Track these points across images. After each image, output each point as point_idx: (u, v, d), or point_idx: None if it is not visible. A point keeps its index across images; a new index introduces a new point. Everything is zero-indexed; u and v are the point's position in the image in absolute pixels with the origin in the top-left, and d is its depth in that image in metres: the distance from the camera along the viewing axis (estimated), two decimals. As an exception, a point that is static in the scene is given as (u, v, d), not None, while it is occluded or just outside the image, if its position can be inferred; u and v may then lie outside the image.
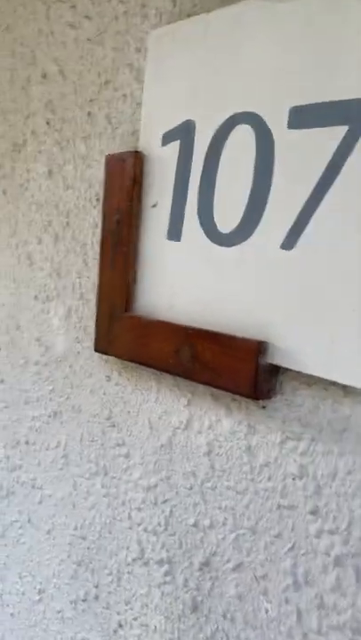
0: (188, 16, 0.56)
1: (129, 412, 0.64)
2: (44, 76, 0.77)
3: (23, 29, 0.82)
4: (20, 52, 0.82)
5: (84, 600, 0.72)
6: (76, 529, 0.73)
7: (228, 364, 0.48)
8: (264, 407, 0.50)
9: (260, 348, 0.46)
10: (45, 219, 0.77)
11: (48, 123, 0.76)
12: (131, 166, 0.58)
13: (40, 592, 0.80)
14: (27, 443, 0.82)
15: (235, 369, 0.48)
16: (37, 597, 0.80)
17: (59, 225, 0.75)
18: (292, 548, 0.48)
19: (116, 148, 0.65)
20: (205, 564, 0.55)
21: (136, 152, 0.58)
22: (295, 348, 0.45)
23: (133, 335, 0.58)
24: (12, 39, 0.84)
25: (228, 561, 0.53)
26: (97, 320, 0.63)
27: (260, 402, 0.50)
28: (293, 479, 0.47)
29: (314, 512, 0.46)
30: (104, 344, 0.62)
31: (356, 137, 0.41)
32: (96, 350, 0.64)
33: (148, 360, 0.57)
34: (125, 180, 0.58)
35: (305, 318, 0.44)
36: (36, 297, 0.79)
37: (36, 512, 0.80)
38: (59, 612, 0.76)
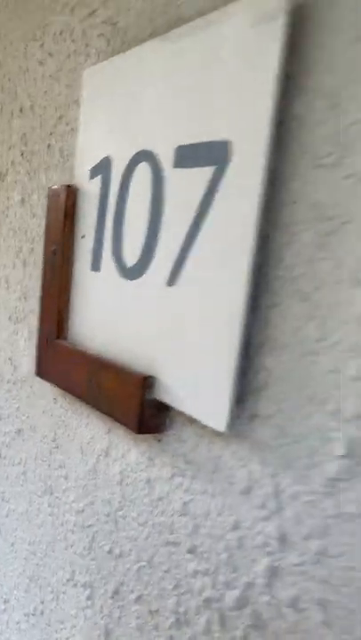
0: (119, 54, 0.57)
1: (68, 434, 0.66)
2: (21, 110, 0.81)
3: (11, 66, 0.87)
4: (8, 88, 0.87)
5: (33, 614, 0.74)
6: (30, 544, 0.75)
7: (121, 396, 0.49)
8: (160, 441, 0.50)
9: (145, 382, 0.47)
10: (18, 245, 0.81)
11: (22, 154, 0.81)
12: (63, 200, 0.60)
13: (5, 602, 0.83)
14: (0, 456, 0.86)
15: (125, 402, 0.48)
16: (3, 607, 0.84)
17: (27, 251, 0.78)
18: (176, 586, 0.47)
19: (66, 179, 0.67)
20: (116, 592, 0.56)
21: (68, 186, 0.60)
22: (173, 384, 0.45)
23: (61, 362, 0.60)
24: (2, 75, 0.89)
25: (132, 592, 0.53)
26: (37, 345, 0.66)
27: (157, 435, 0.50)
28: (179, 516, 0.47)
29: (192, 551, 0.45)
30: (42, 369, 0.65)
31: (220, 178, 0.40)
32: (37, 374, 0.66)
33: (70, 387, 0.58)
34: (59, 213, 0.61)
35: (179, 356, 0.44)
36: (9, 318, 0.83)
37: (4, 524, 0.83)
38: (17, 622, 0.79)
